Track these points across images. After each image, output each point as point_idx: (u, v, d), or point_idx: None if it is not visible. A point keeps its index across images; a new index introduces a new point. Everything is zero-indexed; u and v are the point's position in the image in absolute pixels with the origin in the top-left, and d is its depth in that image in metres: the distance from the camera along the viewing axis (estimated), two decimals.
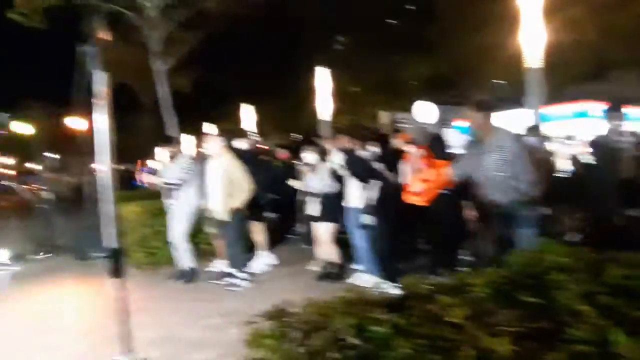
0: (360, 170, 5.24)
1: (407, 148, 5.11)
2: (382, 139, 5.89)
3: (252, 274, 5.99)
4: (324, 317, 1.77)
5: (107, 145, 2.39)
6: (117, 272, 2.38)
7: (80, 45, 2.12)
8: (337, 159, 5.52)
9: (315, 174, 5.90)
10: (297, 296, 5.20)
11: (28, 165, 27.22)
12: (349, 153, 5.41)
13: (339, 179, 5.72)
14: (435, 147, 5.06)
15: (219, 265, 6.31)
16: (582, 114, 14.14)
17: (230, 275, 5.76)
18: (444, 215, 5.42)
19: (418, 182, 4.92)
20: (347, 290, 2.11)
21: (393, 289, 4.81)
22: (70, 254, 8.14)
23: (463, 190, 4.71)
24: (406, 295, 2.01)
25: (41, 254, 8.39)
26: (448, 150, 5.16)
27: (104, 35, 2.14)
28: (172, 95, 13.23)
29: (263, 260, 6.64)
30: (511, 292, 2.03)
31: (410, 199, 5.02)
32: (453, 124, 21.31)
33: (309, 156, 5.99)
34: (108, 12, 11.20)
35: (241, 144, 6.65)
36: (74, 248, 8.09)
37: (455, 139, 5.61)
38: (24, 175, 16.65)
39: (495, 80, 18.24)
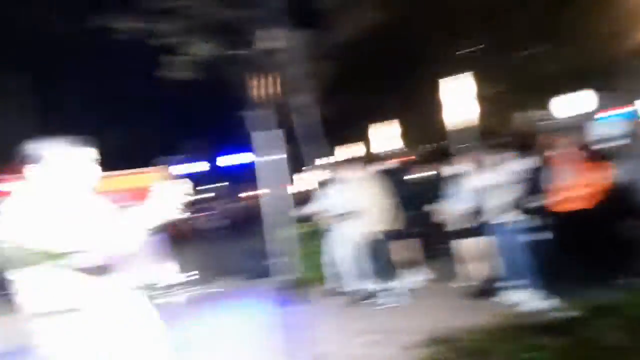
0: (532, 184, 5.09)
1: (561, 151, 4.89)
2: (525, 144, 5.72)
3: (404, 292, 6.26)
4: (489, 343, 1.94)
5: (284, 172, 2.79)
6: (294, 300, 2.71)
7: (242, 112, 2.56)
8: (508, 170, 5.31)
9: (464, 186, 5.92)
10: (450, 315, 5.37)
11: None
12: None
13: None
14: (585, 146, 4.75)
15: (372, 284, 6.63)
16: None
17: (383, 293, 6.11)
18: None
19: (578, 186, 4.66)
20: (506, 313, 2.23)
21: (549, 306, 4.68)
22: (240, 276, 9.02)
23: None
24: (567, 317, 2.07)
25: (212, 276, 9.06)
26: (599, 147, 4.73)
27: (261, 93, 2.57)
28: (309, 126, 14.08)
29: (415, 277, 6.84)
30: None
31: (569, 205, 4.78)
32: (602, 114, 19.20)
33: (462, 168, 5.98)
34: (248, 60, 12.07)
35: (382, 165, 6.97)
36: (244, 270, 8.96)
37: (609, 130, 5.04)
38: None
39: None
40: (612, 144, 6.51)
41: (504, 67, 17.73)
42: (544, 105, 17.61)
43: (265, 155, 3.49)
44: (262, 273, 7.96)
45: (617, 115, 17.19)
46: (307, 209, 7.28)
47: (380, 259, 6.16)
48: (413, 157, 14.19)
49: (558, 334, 1.84)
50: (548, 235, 4.97)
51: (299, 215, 7.61)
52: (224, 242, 9.51)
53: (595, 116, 17.87)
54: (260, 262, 7.97)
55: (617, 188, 4.13)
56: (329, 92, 15.99)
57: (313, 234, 7.35)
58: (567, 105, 7.88)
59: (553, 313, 2.70)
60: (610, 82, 18.81)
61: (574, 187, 4.69)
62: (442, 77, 11.46)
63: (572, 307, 2.16)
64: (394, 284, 6.18)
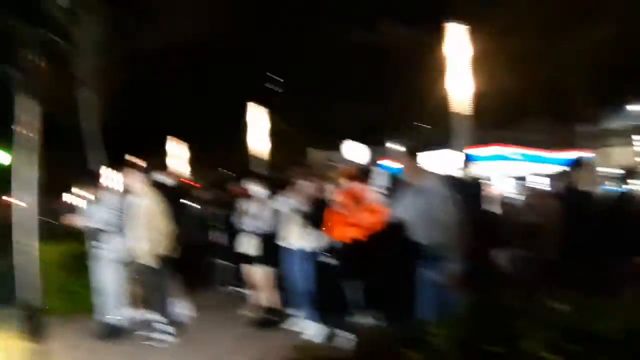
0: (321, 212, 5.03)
1: (348, 183, 5.02)
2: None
3: (178, 325, 5.49)
4: None
5: (32, 180, 2.04)
6: (34, 332, 1.99)
7: (6, 69, 1.83)
8: (298, 201, 5.24)
9: (259, 211, 5.60)
10: (232, 348, 4.89)
11: None
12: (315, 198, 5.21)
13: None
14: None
15: (143, 315, 5.75)
16: (501, 157, 15.18)
17: (154, 327, 5.22)
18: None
19: (361, 214, 4.80)
20: (298, 346, 1.92)
21: (342, 339, 4.66)
22: None
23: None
24: (368, 349, 1.86)
25: None
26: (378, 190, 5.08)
27: (35, 61, 1.86)
28: (102, 130, 12.45)
29: (187, 310, 5.97)
30: (475, 342, 1.95)
31: (350, 233, 4.88)
32: (380, 162, 22.08)
33: (259, 191, 5.66)
34: (39, 39, 10.36)
35: (163, 178, 6.09)
36: None
37: (382, 178, 5.55)
38: None
39: (420, 124, 19.17)
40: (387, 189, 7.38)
41: (304, 108, 18.94)
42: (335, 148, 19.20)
43: (19, 155, 2.51)
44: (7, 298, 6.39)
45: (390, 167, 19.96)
46: (74, 222, 5.94)
47: (155, 287, 5.25)
48: (200, 182, 13.65)
49: None
50: (332, 263, 4.98)
51: (65, 228, 6.34)
52: None
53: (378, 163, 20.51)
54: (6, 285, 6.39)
55: (390, 225, 4.42)
56: (123, 98, 14.52)
57: (77, 254, 6.09)
58: (356, 150, 8.78)
59: (347, 342, 2.53)
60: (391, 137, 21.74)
61: (355, 221, 4.86)
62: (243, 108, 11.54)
63: (374, 339, 1.91)
64: (168, 316, 5.31)
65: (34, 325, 2.03)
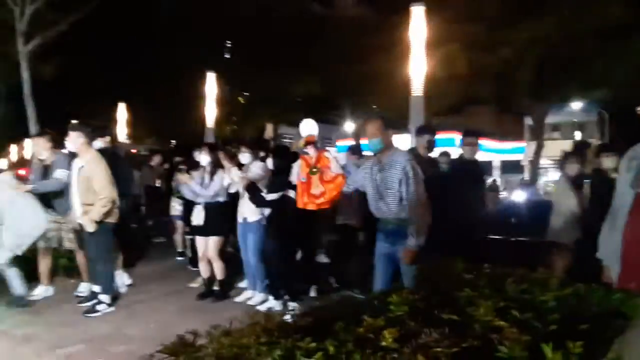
0: (271, 184, 4.97)
1: (309, 149, 4.99)
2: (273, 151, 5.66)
3: (119, 296, 5.29)
4: (244, 349, 1.47)
5: None
6: None
7: None
8: (255, 169, 5.09)
9: (206, 180, 5.39)
10: (175, 319, 4.75)
11: None
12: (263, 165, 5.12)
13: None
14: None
15: (83, 286, 5.49)
16: (451, 143, 15.64)
17: (94, 296, 4.97)
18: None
19: (319, 184, 4.79)
20: (251, 315, 1.83)
21: (290, 308, 4.62)
22: None
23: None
24: (327, 316, 1.81)
25: None
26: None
27: None
28: (34, 84, 11.53)
29: (121, 279, 5.77)
30: (428, 309, 1.98)
31: (307, 203, 4.87)
32: (337, 143, 22.31)
33: (204, 158, 5.41)
34: None
35: (99, 143, 5.63)
36: None
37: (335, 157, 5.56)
38: None
39: (375, 106, 19.34)
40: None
41: (258, 81, 18.54)
42: (290, 123, 19.04)
43: None
44: None
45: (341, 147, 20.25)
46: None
47: (96, 255, 4.94)
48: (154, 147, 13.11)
49: (327, 335, 1.46)
50: (288, 234, 4.96)
51: None
52: None
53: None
54: None
55: (345, 196, 4.45)
56: (64, 50, 13.47)
57: None
58: (311, 127, 8.68)
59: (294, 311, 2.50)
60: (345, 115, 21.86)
61: (316, 184, 4.89)
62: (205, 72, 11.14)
63: (333, 307, 1.87)
64: (110, 286, 5.05)
65: None
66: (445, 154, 6.65)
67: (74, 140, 4.89)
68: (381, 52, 14.55)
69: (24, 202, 5.01)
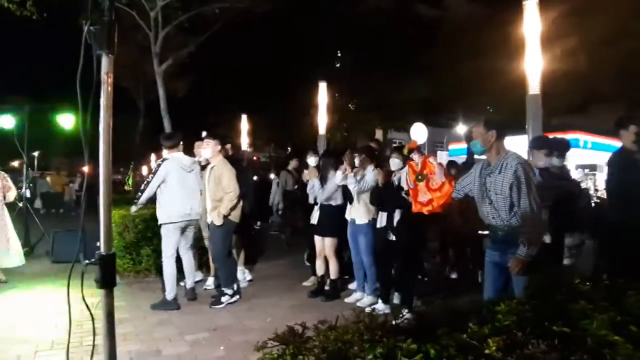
0: (391, 194, 5.03)
1: (414, 155, 4.98)
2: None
3: (240, 290, 5.72)
4: (347, 344, 1.58)
5: (107, 145, 2.15)
6: (106, 280, 2.14)
7: (85, 24, 1.89)
8: (370, 176, 5.26)
9: (327, 184, 5.67)
10: (289, 314, 5.03)
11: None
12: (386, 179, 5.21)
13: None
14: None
15: (210, 280, 6.11)
16: (575, 143, 14.39)
17: (218, 289, 5.51)
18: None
19: (426, 192, 4.75)
20: (356, 313, 1.93)
21: (404, 313, 4.67)
22: (47, 257, 7.84)
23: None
24: (432, 321, 1.85)
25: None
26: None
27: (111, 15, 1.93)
28: (167, 100, 12.96)
29: (243, 275, 6.38)
30: (538, 320, 1.91)
31: (420, 208, 4.85)
32: (449, 147, 21.64)
33: (312, 160, 5.91)
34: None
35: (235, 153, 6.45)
36: (52, 250, 7.76)
37: (445, 161, 5.48)
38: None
39: (488, 107, 18.44)
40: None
41: (369, 87, 18.69)
42: (400, 128, 18.84)
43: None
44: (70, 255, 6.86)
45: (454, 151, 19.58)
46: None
47: (219, 252, 5.43)
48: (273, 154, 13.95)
49: (430, 338, 1.50)
50: (401, 237, 4.97)
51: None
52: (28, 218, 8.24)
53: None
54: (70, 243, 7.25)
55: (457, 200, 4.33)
56: (193, 69, 14.84)
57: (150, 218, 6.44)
58: (421, 132, 8.59)
59: (407, 315, 2.53)
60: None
61: (421, 197, 4.82)
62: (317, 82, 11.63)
63: (437, 312, 1.88)
64: (232, 280, 5.56)
65: (108, 275, 2.18)
66: None
67: (212, 147, 5.51)
68: (494, 50, 13.86)
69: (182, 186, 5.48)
